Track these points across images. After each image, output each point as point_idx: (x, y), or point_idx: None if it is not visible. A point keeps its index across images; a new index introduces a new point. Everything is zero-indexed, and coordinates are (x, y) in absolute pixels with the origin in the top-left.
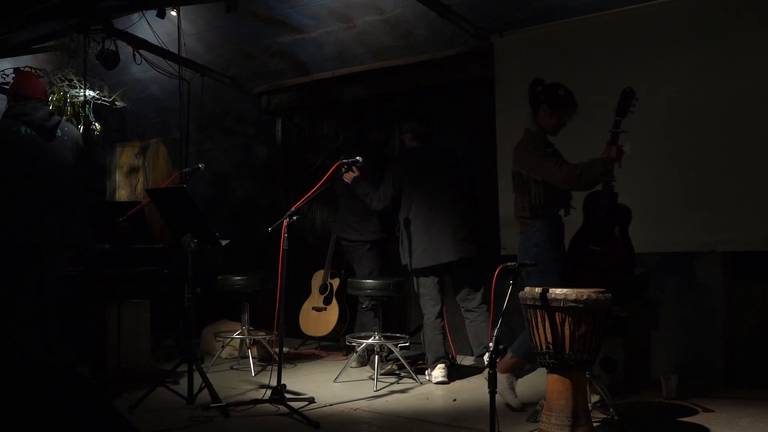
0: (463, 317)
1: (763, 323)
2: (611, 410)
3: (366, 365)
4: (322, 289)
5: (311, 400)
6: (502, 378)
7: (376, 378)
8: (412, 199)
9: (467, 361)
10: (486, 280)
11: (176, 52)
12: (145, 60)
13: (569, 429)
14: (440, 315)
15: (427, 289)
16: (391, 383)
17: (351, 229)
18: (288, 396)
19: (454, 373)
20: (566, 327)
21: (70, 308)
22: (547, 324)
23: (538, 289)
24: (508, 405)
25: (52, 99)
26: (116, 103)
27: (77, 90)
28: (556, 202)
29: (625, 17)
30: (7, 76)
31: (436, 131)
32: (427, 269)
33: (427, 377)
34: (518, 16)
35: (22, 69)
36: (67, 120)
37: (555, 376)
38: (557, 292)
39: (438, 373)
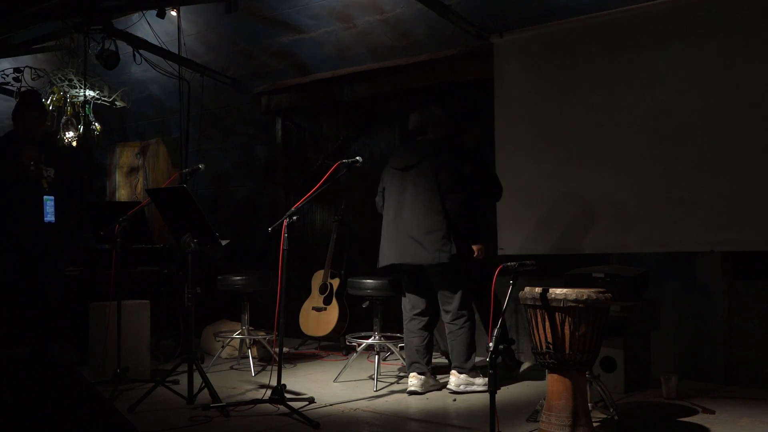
0: None
1: (763, 323)
2: (611, 410)
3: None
4: (322, 289)
5: (311, 400)
6: None
7: (376, 378)
8: (384, 195)
9: None
10: (462, 288)
11: (176, 52)
12: (145, 60)
13: (569, 429)
14: (417, 317)
15: (403, 289)
16: (391, 383)
17: None
18: (288, 396)
19: None
20: (566, 327)
21: (70, 308)
22: (547, 324)
23: (538, 289)
24: None
25: (52, 99)
26: (116, 103)
27: (77, 90)
28: None
29: (625, 17)
30: (7, 76)
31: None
32: (390, 269)
33: None
34: (518, 16)
35: (22, 69)
36: (67, 120)
37: (555, 376)
38: (557, 291)
39: (411, 381)
